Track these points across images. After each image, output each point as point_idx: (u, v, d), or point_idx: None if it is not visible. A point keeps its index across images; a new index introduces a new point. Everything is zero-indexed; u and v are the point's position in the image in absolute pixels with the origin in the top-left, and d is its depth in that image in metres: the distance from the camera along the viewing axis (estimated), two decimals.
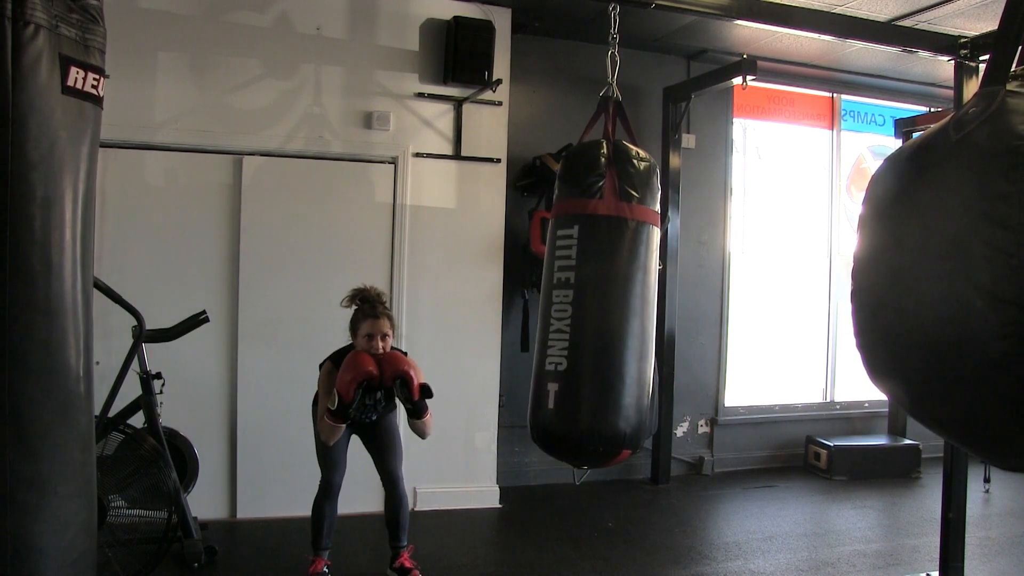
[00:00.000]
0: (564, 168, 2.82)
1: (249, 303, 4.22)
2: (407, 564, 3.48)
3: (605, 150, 2.69)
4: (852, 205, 6.13)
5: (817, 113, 6.05)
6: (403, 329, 4.26)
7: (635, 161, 2.70)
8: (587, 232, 2.62)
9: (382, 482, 3.48)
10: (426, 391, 3.11)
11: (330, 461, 3.34)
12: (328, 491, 3.35)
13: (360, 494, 4.14)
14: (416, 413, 3.14)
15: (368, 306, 3.23)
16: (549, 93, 5.13)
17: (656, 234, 2.73)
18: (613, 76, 2.92)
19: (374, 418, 3.34)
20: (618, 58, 2.92)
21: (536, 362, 2.72)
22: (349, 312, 3.30)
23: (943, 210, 1.70)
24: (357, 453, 3.44)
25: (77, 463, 1.70)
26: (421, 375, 3.15)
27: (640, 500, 4.94)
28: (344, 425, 3.12)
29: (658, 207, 2.76)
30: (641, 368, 2.64)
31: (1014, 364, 1.54)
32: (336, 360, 3.22)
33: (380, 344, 3.17)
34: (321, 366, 3.32)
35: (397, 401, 3.36)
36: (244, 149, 4.21)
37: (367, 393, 3.16)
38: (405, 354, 3.27)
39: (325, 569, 3.38)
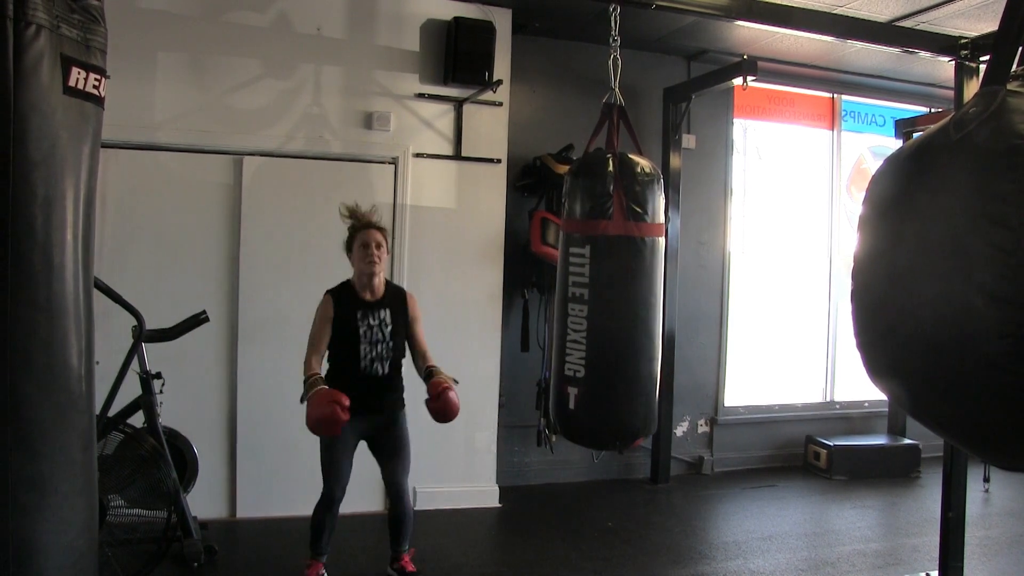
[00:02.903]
0: (572, 185, 2.89)
1: (249, 303, 4.22)
2: (409, 568, 3.47)
3: (612, 168, 2.77)
4: (852, 205, 6.13)
5: (817, 113, 6.05)
6: None
7: (640, 177, 2.80)
8: (598, 252, 2.79)
9: (387, 491, 3.45)
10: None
11: (334, 473, 3.26)
12: (330, 505, 3.29)
13: (360, 494, 4.14)
14: None
15: (364, 220, 3.32)
16: (549, 93, 5.13)
17: (661, 243, 2.87)
18: (615, 81, 2.93)
19: (386, 370, 3.26)
20: (620, 62, 2.92)
21: (555, 368, 2.93)
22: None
23: (943, 210, 1.70)
24: (359, 454, 3.44)
25: (78, 463, 1.70)
26: (455, 391, 3.19)
27: (640, 500, 4.95)
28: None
29: (662, 217, 2.86)
30: (650, 369, 2.86)
31: (1014, 364, 1.54)
32: (335, 295, 3.28)
33: (376, 253, 3.23)
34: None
35: (406, 398, 3.38)
36: (244, 149, 4.22)
37: (371, 313, 3.25)
38: (443, 384, 3.21)
39: (322, 573, 3.37)
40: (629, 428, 2.87)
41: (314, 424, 2.98)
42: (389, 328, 3.28)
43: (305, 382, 3.10)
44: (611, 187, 2.74)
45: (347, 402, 2.98)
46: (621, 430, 2.87)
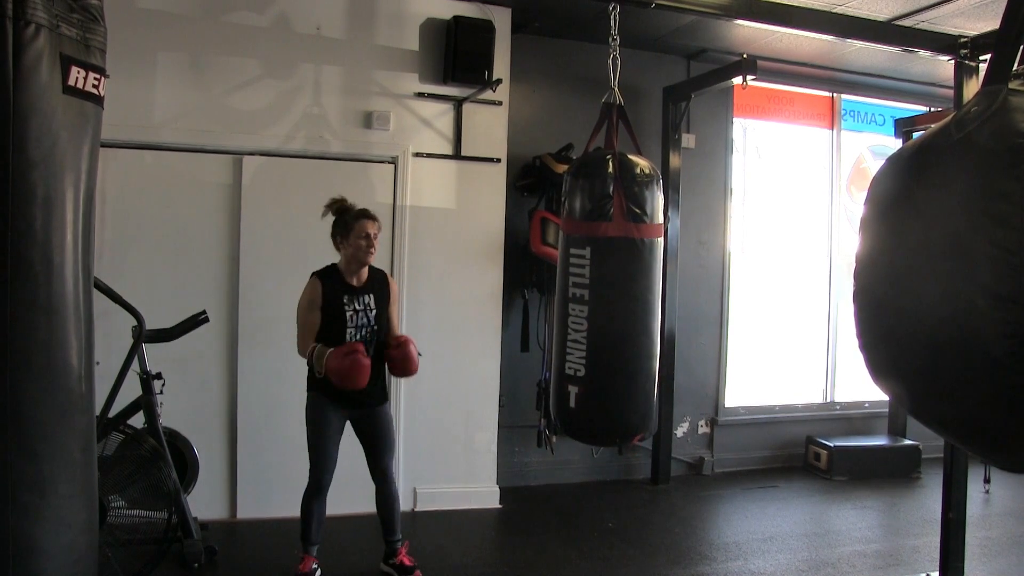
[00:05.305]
0: (572, 185, 2.89)
1: (249, 303, 4.22)
2: (407, 562, 3.48)
3: (611, 169, 2.78)
4: (852, 205, 6.13)
5: (817, 113, 6.05)
6: (403, 327, 4.25)
7: (639, 178, 2.81)
8: (599, 253, 2.81)
9: (372, 476, 3.48)
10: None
11: (322, 459, 3.33)
12: (318, 491, 3.36)
13: (353, 494, 4.12)
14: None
15: (359, 209, 3.37)
16: (549, 93, 5.13)
17: (660, 243, 2.88)
18: (615, 80, 2.93)
19: (370, 354, 3.28)
20: (620, 61, 2.92)
21: (556, 367, 2.97)
22: None
23: (944, 209, 1.69)
24: (349, 451, 3.45)
25: (78, 463, 1.70)
26: (416, 361, 3.41)
27: (640, 500, 4.94)
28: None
29: (661, 217, 2.88)
30: (649, 366, 2.89)
31: (1016, 363, 1.54)
32: (322, 277, 3.34)
33: (375, 245, 3.31)
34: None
35: (390, 391, 3.47)
36: (244, 149, 4.21)
37: (357, 298, 3.34)
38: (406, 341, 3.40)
39: (314, 567, 3.39)
40: (629, 425, 2.91)
41: (343, 376, 3.11)
42: (373, 312, 3.38)
43: (311, 357, 3.22)
44: (611, 188, 2.77)
45: (363, 347, 3.17)
46: (621, 427, 2.92)
